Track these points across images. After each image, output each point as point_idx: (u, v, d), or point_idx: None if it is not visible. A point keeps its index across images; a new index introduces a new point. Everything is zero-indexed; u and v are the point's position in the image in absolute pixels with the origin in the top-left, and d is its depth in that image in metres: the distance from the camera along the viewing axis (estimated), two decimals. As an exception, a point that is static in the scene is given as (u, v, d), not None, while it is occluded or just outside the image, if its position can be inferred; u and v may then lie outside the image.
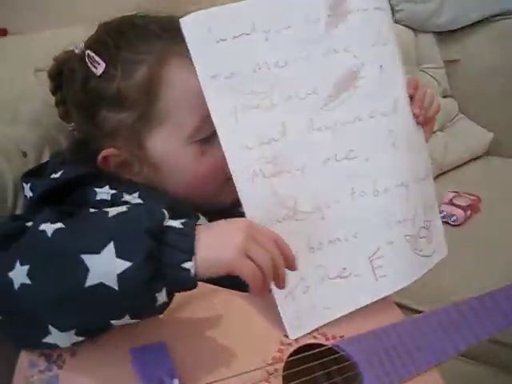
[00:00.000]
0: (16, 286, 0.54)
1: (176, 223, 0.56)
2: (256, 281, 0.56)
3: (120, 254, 0.53)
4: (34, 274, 0.54)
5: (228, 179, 0.69)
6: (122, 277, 0.52)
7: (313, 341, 0.67)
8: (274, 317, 0.67)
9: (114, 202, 0.69)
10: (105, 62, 0.71)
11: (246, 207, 0.65)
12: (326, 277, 0.69)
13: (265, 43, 0.66)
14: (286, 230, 0.64)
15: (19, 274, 0.54)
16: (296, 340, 0.67)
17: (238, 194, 0.65)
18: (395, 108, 0.73)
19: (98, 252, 0.53)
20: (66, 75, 0.76)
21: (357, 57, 0.70)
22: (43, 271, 0.54)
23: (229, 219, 0.60)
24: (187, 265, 0.54)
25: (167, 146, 0.72)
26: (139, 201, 0.69)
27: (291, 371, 0.63)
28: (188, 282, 0.55)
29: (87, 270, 0.52)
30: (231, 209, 0.74)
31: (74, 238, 0.55)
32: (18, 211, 0.75)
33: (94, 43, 0.74)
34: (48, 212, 0.59)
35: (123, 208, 0.58)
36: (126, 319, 0.56)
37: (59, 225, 0.56)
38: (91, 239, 0.54)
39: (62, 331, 0.55)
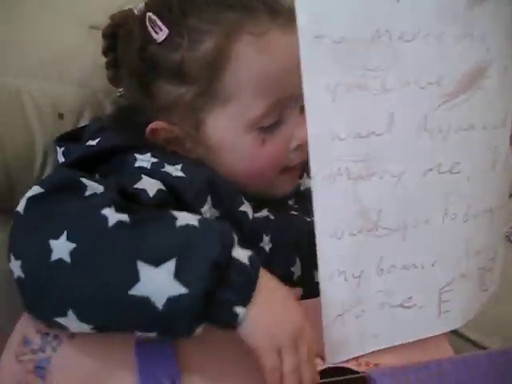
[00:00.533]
0: (53, 258, 0.50)
1: (243, 256, 0.53)
2: (272, 380, 0.52)
3: (178, 277, 0.49)
4: (78, 256, 0.50)
5: (283, 170, 0.67)
6: (171, 301, 0.49)
7: (343, 364, 0.60)
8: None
9: (154, 171, 0.63)
10: (168, 27, 0.65)
11: (317, 209, 0.54)
12: (388, 304, 0.60)
13: (393, 5, 0.53)
14: (358, 244, 0.56)
15: (61, 248, 0.50)
16: (322, 359, 0.59)
17: (312, 191, 0.54)
18: (504, 121, 0.63)
19: (156, 265, 0.49)
20: (121, 36, 0.70)
21: (489, 50, 0.58)
22: (89, 258, 0.51)
23: (288, 299, 0.56)
24: (239, 310, 0.51)
25: (226, 130, 0.66)
26: (181, 174, 0.63)
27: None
28: (230, 325, 0.52)
29: (137, 279, 0.49)
30: (280, 199, 0.71)
31: (135, 239, 0.51)
32: (47, 172, 0.72)
33: (157, 6, 0.67)
34: (113, 193, 0.55)
35: (194, 220, 0.54)
36: (152, 335, 0.52)
37: (124, 217, 0.52)
38: (153, 247, 0.51)
39: (80, 321, 0.51)
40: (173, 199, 0.61)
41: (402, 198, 0.57)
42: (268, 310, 0.53)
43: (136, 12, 0.69)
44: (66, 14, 0.81)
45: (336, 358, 0.58)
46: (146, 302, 0.49)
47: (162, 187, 0.61)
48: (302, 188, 0.75)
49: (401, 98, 0.54)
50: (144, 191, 0.59)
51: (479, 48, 0.57)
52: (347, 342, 0.59)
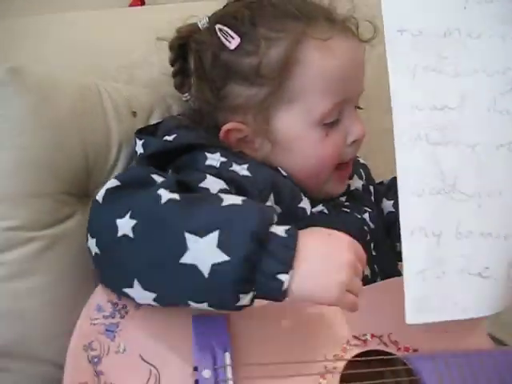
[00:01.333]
0: (119, 234, 0.57)
1: (281, 230, 0.56)
2: (354, 308, 0.57)
3: (221, 246, 0.54)
4: (138, 231, 0.56)
5: (337, 166, 0.73)
6: (215, 267, 0.54)
7: (382, 348, 0.63)
8: (348, 317, 0.64)
9: (222, 170, 0.69)
10: (239, 36, 0.71)
11: (400, 169, 0.61)
12: (467, 270, 0.62)
13: (462, 10, 0.63)
14: (437, 204, 0.61)
15: (125, 225, 0.57)
16: (365, 342, 0.63)
17: (396, 154, 0.61)
18: None
19: (201, 236, 0.54)
20: (192, 47, 0.77)
21: None
22: (147, 232, 0.57)
23: (333, 233, 0.59)
24: (282, 277, 0.54)
25: (293, 126, 0.72)
26: (247, 173, 0.69)
27: (350, 372, 0.60)
28: (277, 294, 0.55)
29: (186, 248, 0.54)
30: (334, 198, 0.76)
31: (184, 214, 0.57)
32: (121, 163, 0.78)
33: (226, 18, 0.74)
34: (171, 178, 0.62)
35: (238, 200, 0.59)
36: (204, 306, 0.56)
37: (175, 195, 0.58)
38: (199, 221, 0.56)
39: (144, 289, 0.57)
40: (236, 193, 0.67)
41: (476, 167, 0.62)
42: (316, 265, 0.56)
43: (200, 25, 0.76)
44: (136, 27, 0.89)
45: (415, 317, 0.60)
46: (194, 269, 0.54)
47: (226, 187, 0.67)
48: (351, 188, 0.80)
49: (471, 81, 0.62)
50: (207, 190, 0.65)
51: None
52: (428, 303, 0.61)
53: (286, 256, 0.55)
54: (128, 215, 0.57)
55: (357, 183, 0.81)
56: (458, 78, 0.62)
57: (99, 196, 0.62)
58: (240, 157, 0.72)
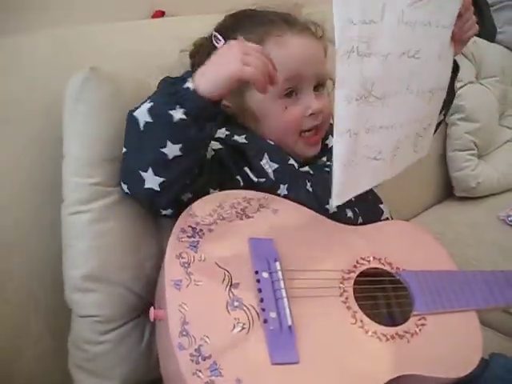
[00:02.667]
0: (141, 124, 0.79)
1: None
2: (259, 79, 0.75)
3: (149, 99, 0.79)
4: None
5: (301, 135, 0.94)
6: (150, 110, 0.77)
7: (380, 266, 0.88)
8: (358, 245, 0.88)
9: (227, 139, 0.93)
10: (224, 39, 0.95)
11: (338, 80, 0.69)
12: (367, 156, 0.76)
13: None
14: (357, 108, 0.71)
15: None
16: (369, 262, 0.87)
17: (336, 65, 0.68)
18: (451, 24, 0.83)
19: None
20: (199, 53, 1.00)
21: None
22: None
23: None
24: (187, 84, 0.76)
25: (260, 101, 0.93)
26: (245, 141, 0.92)
27: (360, 279, 0.84)
28: (190, 97, 0.76)
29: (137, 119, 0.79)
30: (315, 160, 0.98)
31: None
32: None
33: (219, 27, 0.99)
34: None
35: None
36: (174, 149, 0.77)
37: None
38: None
39: (146, 171, 0.78)
40: (239, 157, 0.91)
41: (386, 74, 0.73)
42: (212, 63, 0.78)
43: (206, 36, 1.01)
44: (170, 37, 1.13)
45: (338, 199, 0.76)
46: (135, 126, 0.79)
47: (220, 146, 0.91)
48: (329, 146, 1.00)
49: None
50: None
51: None
52: (345, 186, 0.75)
53: (187, 75, 0.78)
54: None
55: (333, 142, 1.05)
56: None
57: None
58: (240, 130, 0.94)
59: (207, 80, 0.77)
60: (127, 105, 0.91)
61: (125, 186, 0.84)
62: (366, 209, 0.99)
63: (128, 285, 0.89)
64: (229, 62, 0.76)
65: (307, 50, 0.95)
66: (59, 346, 0.95)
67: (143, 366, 0.92)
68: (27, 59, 1.00)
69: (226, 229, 0.80)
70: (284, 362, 0.70)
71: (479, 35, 1.67)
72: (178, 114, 0.76)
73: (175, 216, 0.82)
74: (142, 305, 0.93)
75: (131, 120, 0.80)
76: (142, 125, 0.78)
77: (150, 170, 0.78)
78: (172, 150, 0.77)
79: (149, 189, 0.80)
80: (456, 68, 0.98)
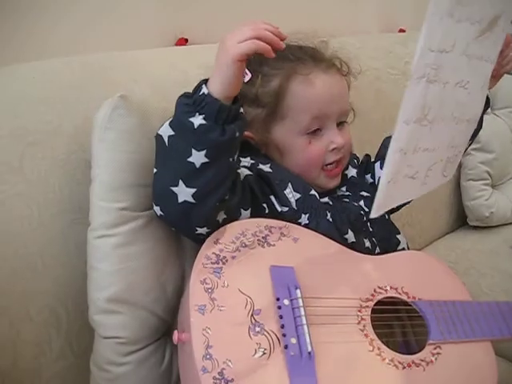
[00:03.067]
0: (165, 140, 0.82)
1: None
2: (261, 48, 0.77)
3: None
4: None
5: (323, 168, 0.97)
6: (171, 123, 0.80)
7: (397, 295, 0.90)
8: (375, 274, 0.90)
9: (252, 168, 0.96)
10: (251, 73, 0.97)
11: (405, 102, 0.69)
12: (407, 175, 0.77)
13: None
14: (412, 130, 0.72)
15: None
16: (386, 291, 0.89)
17: (407, 87, 0.68)
18: (495, 59, 0.85)
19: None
20: None
21: (506, 4, 0.78)
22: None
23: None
24: (202, 90, 0.79)
25: (286, 135, 0.97)
26: (269, 169, 0.94)
27: (377, 307, 0.86)
28: (207, 101, 0.78)
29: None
30: (335, 191, 1.02)
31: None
32: None
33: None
34: None
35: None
36: (200, 156, 0.79)
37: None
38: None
39: (177, 185, 0.80)
40: (265, 185, 0.93)
41: (441, 100, 0.74)
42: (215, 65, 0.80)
43: None
44: (195, 64, 1.16)
45: (376, 212, 0.73)
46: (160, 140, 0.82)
47: (249, 172, 0.93)
48: (348, 176, 1.05)
49: (461, 28, 0.72)
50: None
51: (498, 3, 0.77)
52: (385, 201, 0.74)
53: (201, 83, 0.81)
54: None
55: (352, 172, 1.06)
56: (458, 24, 0.71)
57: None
58: (264, 160, 0.97)
59: (217, 79, 0.79)
60: (154, 133, 0.95)
61: (157, 208, 0.85)
62: (384, 239, 1.01)
63: (151, 308, 0.92)
64: (227, 49, 0.77)
65: (333, 88, 0.97)
66: (81, 364, 0.97)
67: (163, 388, 0.93)
68: (58, 83, 1.04)
69: (248, 256, 0.82)
70: None
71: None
72: (197, 120, 0.77)
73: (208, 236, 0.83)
74: (164, 327, 0.96)
75: (157, 139, 0.82)
76: (166, 140, 0.80)
77: (181, 183, 0.80)
78: (198, 157, 0.78)
79: (183, 202, 0.80)
80: (487, 101, 1.01)
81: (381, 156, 1.10)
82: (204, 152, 0.78)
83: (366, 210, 1.00)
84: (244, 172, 0.91)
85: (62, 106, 1.02)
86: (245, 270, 0.81)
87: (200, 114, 0.78)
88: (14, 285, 0.94)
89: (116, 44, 1.29)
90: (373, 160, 1.13)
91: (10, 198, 0.94)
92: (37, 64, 1.06)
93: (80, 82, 1.05)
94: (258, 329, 0.75)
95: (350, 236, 0.94)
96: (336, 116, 0.97)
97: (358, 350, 0.79)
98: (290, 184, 0.93)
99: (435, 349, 0.83)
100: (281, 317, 0.77)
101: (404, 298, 0.89)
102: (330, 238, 0.91)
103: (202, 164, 0.79)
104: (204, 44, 1.31)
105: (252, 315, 0.76)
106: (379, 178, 0.96)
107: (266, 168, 0.95)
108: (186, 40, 1.36)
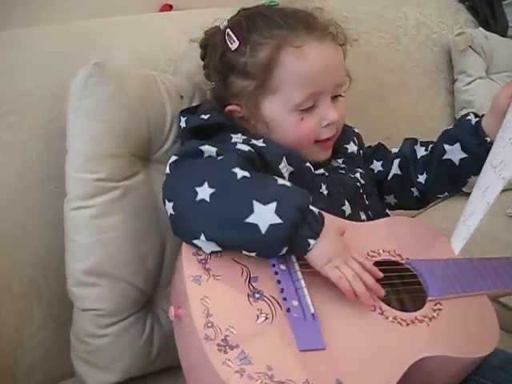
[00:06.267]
0: (198, 198, 0.75)
1: (315, 209, 0.77)
2: (343, 285, 0.75)
3: (278, 212, 0.73)
4: (215, 197, 0.75)
5: (315, 142, 0.92)
6: (271, 227, 0.73)
7: (391, 258, 0.87)
8: (367, 239, 0.87)
9: (245, 143, 0.86)
10: (239, 40, 0.91)
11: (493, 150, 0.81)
12: (463, 220, 0.80)
13: None
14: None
15: (204, 192, 0.75)
16: (379, 254, 0.87)
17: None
18: None
19: (264, 203, 0.74)
20: (210, 47, 0.97)
21: None
22: (222, 198, 0.75)
23: (338, 236, 0.80)
24: (311, 241, 0.75)
25: (276, 111, 0.91)
26: (263, 144, 0.87)
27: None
28: (302, 252, 0.76)
29: (252, 211, 0.73)
30: (331, 162, 0.99)
31: (253, 188, 0.76)
32: (172, 134, 0.98)
33: (233, 24, 0.93)
34: (238, 158, 0.79)
35: (288, 183, 0.79)
36: (251, 254, 0.76)
37: (247, 173, 0.77)
38: (263, 193, 0.75)
39: (207, 240, 0.75)
40: (259, 160, 0.87)
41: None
42: (327, 243, 0.76)
43: (221, 27, 0.97)
44: (177, 30, 1.13)
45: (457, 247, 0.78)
46: (255, 227, 0.73)
47: (251, 148, 0.87)
48: (349, 151, 1.01)
49: None
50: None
51: None
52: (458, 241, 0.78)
53: (317, 228, 0.76)
54: (206, 184, 0.75)
55: (353, 148, 1.01)
56: None
57: (167, 170, 0.81)
58: (256, 135, 0.90)
59: (319, 254, 0.77)
60: (132, 99, 0.93)
61: (170, 205, 0.81)
62: (378, 212, 0.99)
63: (129, 279, 0.91)
64: (338, 264, 0.77)
65: (328, 60, 0.90)
66: (63, 334, 0.97)
67: (143, 360, 0.93)
68: (36, 52, 1.01)
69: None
70: (311, 349, 0.71)
71: (490, 29, 1.67)
72: (283, 252, 0.77)
73: None
74: (143, 299, 0.94)
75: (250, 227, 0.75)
76: (263, 231, 0.74)
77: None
78: (248, 254, 0.78)
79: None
80: None
81: (401, 154, 1.05)
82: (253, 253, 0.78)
83: (362, 182, 0.97)
84: (244, 148, 0.84)
85: (41, 74, 1.00)
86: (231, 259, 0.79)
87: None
88: (-6, 256, 0.92)
89: (100, 10, 1.27)
90: (392, 152, 1.08)
91: (-15, 167, 0.92)
92: (16, 32, 1.04)
93: (60, 50, 1.03)
94: (257, 295, 0.75)
95: (347, 208, 0.91)
96: (331, 90, 0.91)
97: (360, 309, 0.78)
98: (284, 158, 0.87)
99: (435, 305, 0.83)
100: (279, 282, 0.76)
101: (398, 259, 0.87)
102: (325, 210, 0.85)
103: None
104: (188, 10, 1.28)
105: (250, 282, 0.76)
106: (393, 174, 1.03)
107: (260, 143, 0.88)
108: (171, 6, 1.32)
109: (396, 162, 1.04)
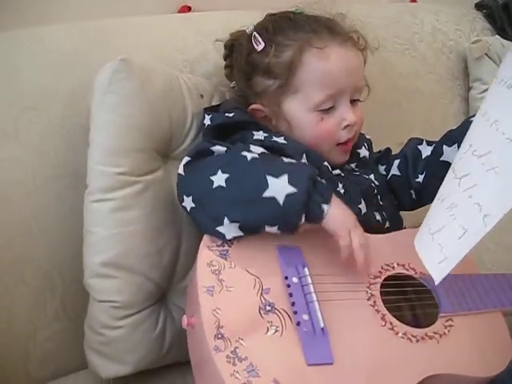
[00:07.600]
0: (214, 185, 0.78)
1: (323, 181, 0.80)
2: (345, 252, 0.79)
3: (291, 182, 0.76)
4: (231, 181, 0.78)
5: (337, 144, 0.94)
6: (287, 197, 0.76)
7: (405, 272, 0.87)
8: (382, 252, 0.87)
9: (266, 141, 0.90)
10: (264, 42, 0.94)
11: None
12: (458, 236, 0.71)
13: None
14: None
15: (219, 179, 0.78)
16: (393, 268, 0.86)
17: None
18: None
19: (277, 176, 0.77)
20: (236, 47, 1.00)
21: None
22: (238, 180, 0.78)
23: (346, 208, 0.82)
24: (325, 206, 0.78)
25: (297, 110, 0.93)
26: (284, 141, 0.90)
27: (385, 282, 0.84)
28: (319, 218, 0.79)
29: (267, 185, 0.76)
30: (346, 165, 1.00)
31: (264, 165, 0.80)
32: (192, 133, 0.99)
33: (259, 27, 0.97)
34: (243, 146, 0.84)
35: (293, 160, 0.83)
36: (274, 229, 0.78)
37: (255, 155, 0.81)
38: (274, 168, 0.79)
39: (230, 222, 0.77)
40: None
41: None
42: (339, 208, 0.80)
43: (247, 31, 1.01)
44: (194, 32, 1.15)
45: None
46: (272, 200, 0.76)
47: (265, 151, 0.89)
48: (361, 156, 1.02)
49: None
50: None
51: None
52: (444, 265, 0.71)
53: (328, 194, 0.80)
54: (220, 171, 0.78)
55: (364, 152, 1.03)
56: None
57: (180, 170, 0.83)
58: (277, 133, 0.93)
59: (335, 217, 0.80)
60: (156, 96, 0.94)
61: (189, 200, 0.83)
62: (392, 215, 1.00)
63: (146, 273, 0.91)
64: (345, 224, 0.80)
65: (349, 62, 0.93)
66: (75, 327, 0.98)
67: (156, 352, 0.94)
68: (55, 50, 1.03)
69: (254, 238, 0.80)
70: (319, 363, 0.71)
71: (507, 37, 1.68)
72: (301, 221, 0.79)
73: None
74: (158, 293, 0.95)
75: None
76: (281, 202, 0.77)
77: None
78: (271, 229, 0.80)
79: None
80: None
81: (402, 155, 1.05)
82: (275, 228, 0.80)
83: (377, 183, 0.99)
84: (257, 150, 0.86)
85: (59, 72, 1.01)
86: (251, 251, 0.80)
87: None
88: (9, 249, 0.94)
89: (119, 10, 1.28)
90: (394, 154, 1.09)
91: (4, 162, 0.94)
92: (35, 30, 1.05)
93: (78, 48, 1.04)
94: (268, 308, 0.75)
95: (363, 206, 0.93)
96: (350, 92, 0.93)
97: (370, 324, 0.78)
98: (304, 155, 0.90)
99: (447, 321, 0.82)
100: (290, 295, 0.77)
101: (412, 273, 0.87)
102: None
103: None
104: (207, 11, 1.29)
105: (261, 294, 0.76)
106: (392, 174, 1.04)
107: (281, 140, 0.91)
108: (189, 8, 1.34)
109: (396, 162, 1.05)
